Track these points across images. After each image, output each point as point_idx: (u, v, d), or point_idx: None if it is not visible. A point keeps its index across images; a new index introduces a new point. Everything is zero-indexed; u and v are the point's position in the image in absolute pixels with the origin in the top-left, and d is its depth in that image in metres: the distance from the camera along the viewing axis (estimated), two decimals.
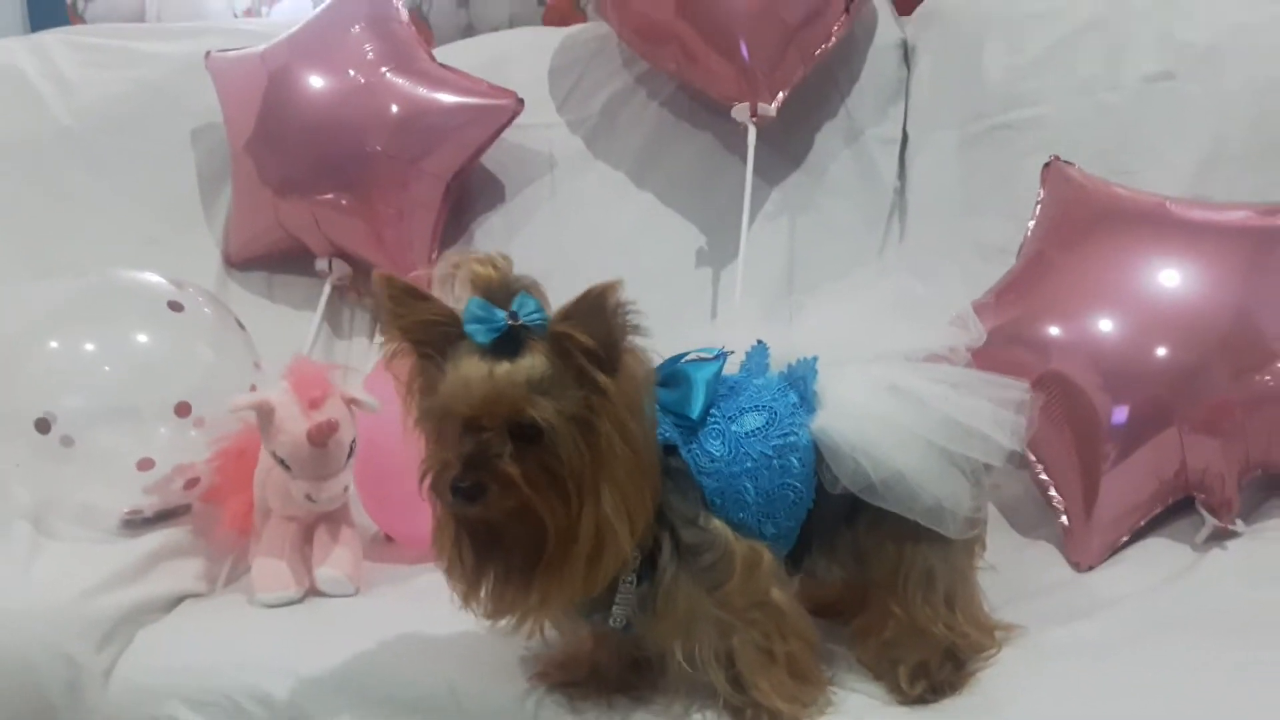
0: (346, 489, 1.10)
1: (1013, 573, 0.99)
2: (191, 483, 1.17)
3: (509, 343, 0.76)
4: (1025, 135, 1.41)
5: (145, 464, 1.13)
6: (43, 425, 1.10)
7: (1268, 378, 1.09)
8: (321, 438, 1.01)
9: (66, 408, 1.11)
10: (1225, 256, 1.13)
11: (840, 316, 0.89)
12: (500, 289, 0.78)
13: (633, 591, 0.81)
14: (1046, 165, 1.28)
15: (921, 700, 0.85)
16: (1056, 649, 0.90)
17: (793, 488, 0.83)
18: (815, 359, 0.84)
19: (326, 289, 1.54)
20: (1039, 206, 1.27)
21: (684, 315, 1.45)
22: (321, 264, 1.54)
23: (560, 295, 1.46)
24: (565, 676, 0.89)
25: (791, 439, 0.83)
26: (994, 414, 0.82)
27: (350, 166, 1.46)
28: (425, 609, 1.02)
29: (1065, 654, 0.90)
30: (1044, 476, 1.13)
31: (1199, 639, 0.91)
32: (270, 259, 1.60)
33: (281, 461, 1.04)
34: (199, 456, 1.14)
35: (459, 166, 1.50)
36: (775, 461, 0.82)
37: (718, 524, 0.81)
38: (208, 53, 1.60)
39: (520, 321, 0.76)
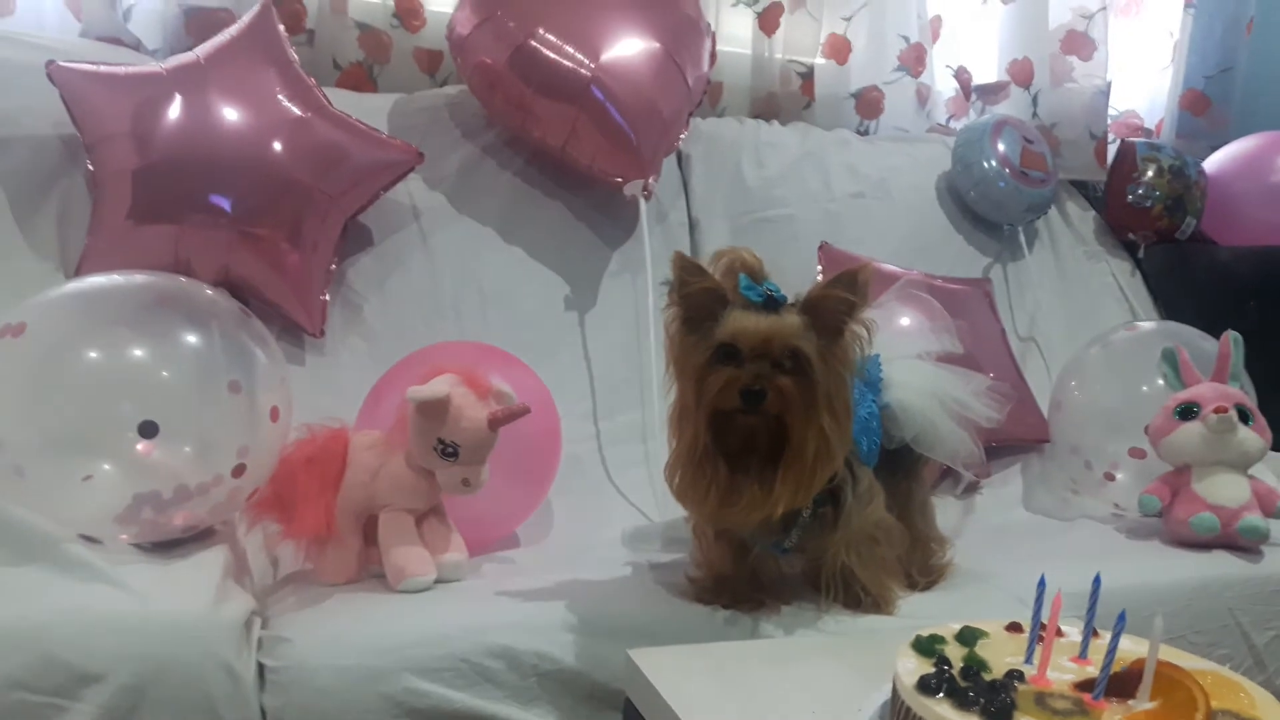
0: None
1: None
2: (252, 493, 1.17)
3: (769, 306, 1.06)
4: (780, 227, 1.97)
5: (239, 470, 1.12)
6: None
7: None
8: (507, 421, 1.13)
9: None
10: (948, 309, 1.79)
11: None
12: (757, 273, 1.09)
13: (812, 518, 1.13)
14: (820, 247, 1.86)
15: (928, 587, 1.29)
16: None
17: (876, 443, 1.23)
18: (878, 355, 1.26)
19: None
20: (820, 274, 1.83)
21: (558, 351, 1.73)
22: None
23: (439, 338, 1.65)
24: (723, 597, 1.16)
25: (874, 409, 1.23)
26: (980, 393, 1.30)
27: (280, 198, 1.48)
28: (536, 581, 1.20)
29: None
30: None
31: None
32: None
33: (448, 449, 1.12)
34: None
35: (360, 207, 1.61)
36: (873, 424, 1.22)
37: (865, 465, 1.18)
38: (50, 62, 1.48)
39: (774, 294, 1.07)
